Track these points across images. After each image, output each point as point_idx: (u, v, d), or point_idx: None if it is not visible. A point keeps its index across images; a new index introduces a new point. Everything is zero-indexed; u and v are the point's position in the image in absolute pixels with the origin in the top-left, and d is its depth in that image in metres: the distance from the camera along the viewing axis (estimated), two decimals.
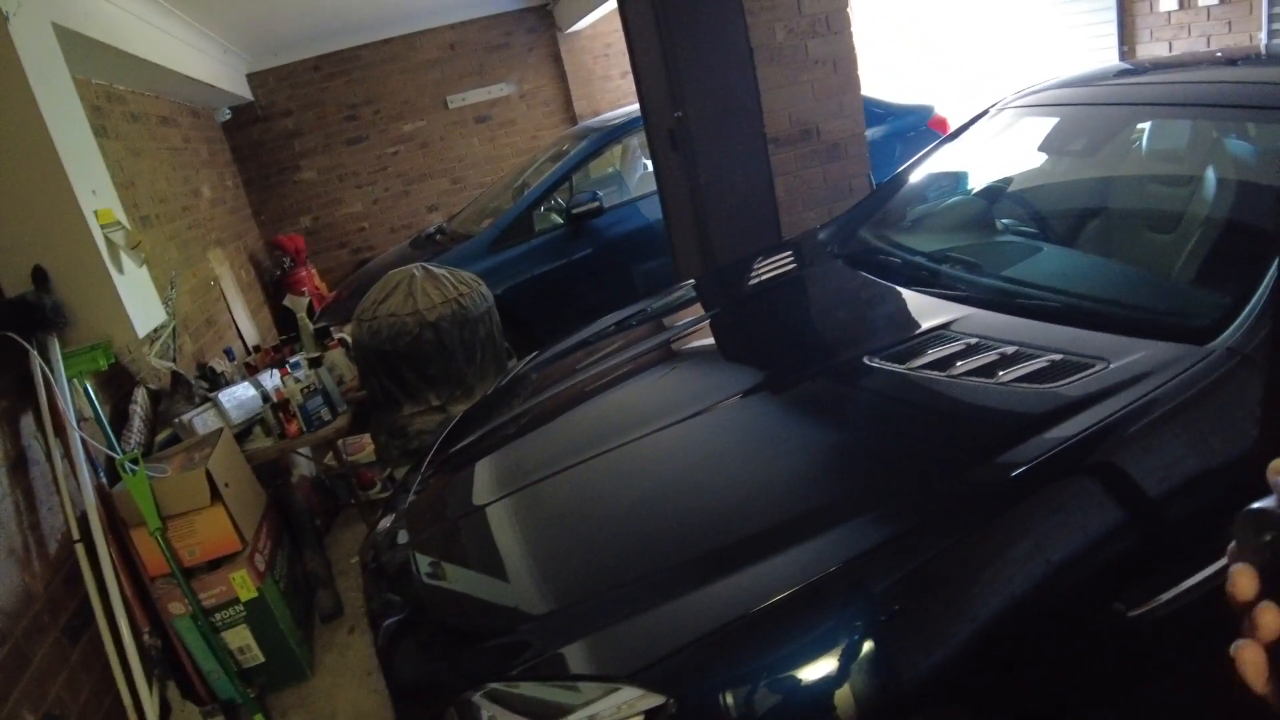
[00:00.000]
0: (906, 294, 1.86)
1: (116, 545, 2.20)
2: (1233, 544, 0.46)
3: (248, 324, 4.90)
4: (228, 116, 6.23)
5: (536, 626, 1.28)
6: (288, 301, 5.54)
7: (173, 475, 2.30)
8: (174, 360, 3.10)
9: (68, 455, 2.17)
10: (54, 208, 2.24)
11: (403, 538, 1.75)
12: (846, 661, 1.04)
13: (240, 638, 2.38)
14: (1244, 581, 0.44)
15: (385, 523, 1.86)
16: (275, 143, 6.61)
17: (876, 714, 1.03)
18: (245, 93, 6.22)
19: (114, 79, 3.82)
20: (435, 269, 3.00)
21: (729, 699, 1.04)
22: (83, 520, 2.16)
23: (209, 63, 5.02)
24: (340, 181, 6.82)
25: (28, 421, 2.17)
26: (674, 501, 1.44)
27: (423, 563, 1.61)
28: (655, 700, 1.02)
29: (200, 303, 4.27)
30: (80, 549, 2.14)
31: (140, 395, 2.80)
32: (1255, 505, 0.45)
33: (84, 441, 2.20)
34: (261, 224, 6.60)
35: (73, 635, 2.09)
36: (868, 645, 1.05)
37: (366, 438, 3.44)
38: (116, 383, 2.83)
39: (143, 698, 2.11)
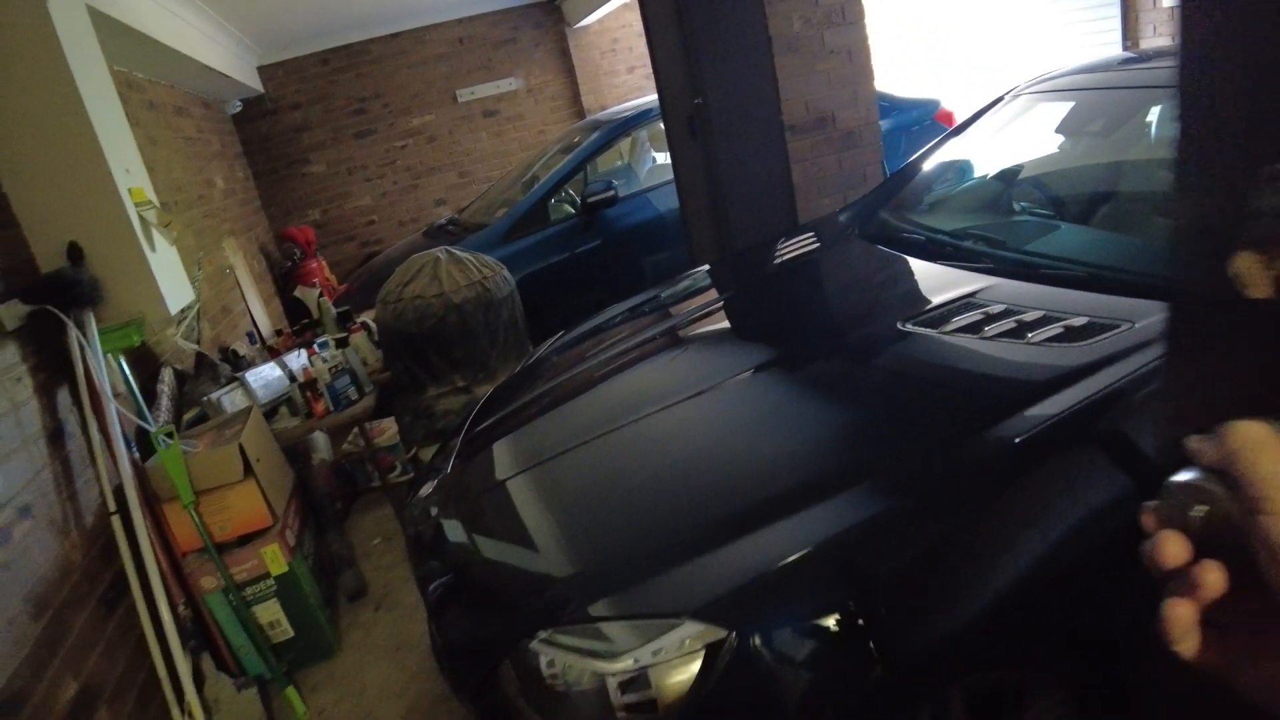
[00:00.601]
0: (932, 267, 1.90)
1: (150, 519, 2.22)
2: (1150, 511, 0.46)
3: (261, 313, 4.92)
4: (238, 109, 6.26)
5: (583, 580, 1.32)
6: (298, 293, 5.57)
7: (205, 450, 2.33)
8: (197, 342, 3.13)
9: (103, 428, 2.20)
10: (90, 185, 2.27)
11: (440, 510, 1.78)
12: (892, 599, 1.08)
13: (270, 613, 2.41)
14: (1173, 548, 0.44)
15: (424, 491, 1.89)
16: (284, 136, 6.63)
17: (924, 647, 1.07)
18: (256, 85, 6.25)
19: (133, 66, 3.85)
20: (459, 253, 3.03)
21: (784, 634, 1.08)
22: (118, 493, 2.19)
23: (223, 53, 5.05)
24: (349, 175, 6.85)
25: (63, 395, 2.20)
26: (715, 463, 1.48)
27: (461, 530, 1.65)
28: (717, 634, 1.06)
29: (216, 290, 4.30)
30: (116, 521, 2.17)
31: (167, 375, 2.83)
32: (1180, 478, 0.45)
33: (119, 415, 2.23)
34: (271, 216, 6.63)
35: (109, 606, 2.11)
36: (914, 583, 1.09)
37: (384, 423, 3.47)
38: (143, 364, 2.85)
39: (179, 668, 2.14)
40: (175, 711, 2.17)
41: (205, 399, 2.60)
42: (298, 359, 2.85)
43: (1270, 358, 0.49)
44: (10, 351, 2.03)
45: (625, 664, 1.10)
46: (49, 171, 2.23)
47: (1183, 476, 0.44)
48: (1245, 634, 0.43)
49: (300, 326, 4.58)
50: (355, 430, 3.09)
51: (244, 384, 2.68)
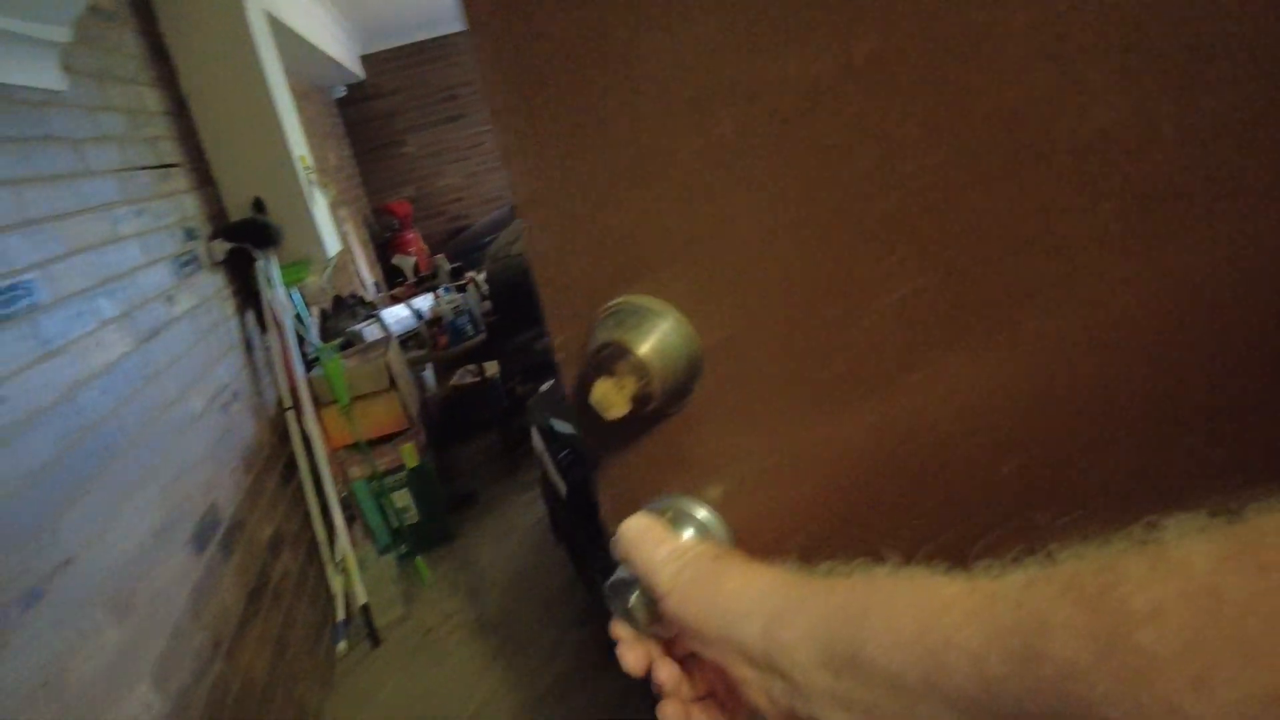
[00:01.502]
0: None
1: (316, 415, 2.81)
2: (614, 621, 0.49)
3: (366, 274, 5.56)
4: (342, 94, 6.92)
5: None
6: (396, 260, 6.21)
7: (357, 364, 2.91)
8: (332, 287, 3.73)
9: (281, 343, 2.78)
10: (271, 152, 2.86)
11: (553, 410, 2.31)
12: None
13: (403, 500, 2.98)
14: (630, 658, 0.48)
15: (542, 389, 2.42)
16: (381, 119, 7.29)
17: None
18: (360, 72, 6.91)
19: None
20: None
21: None
22: (291, 394, 2.77)
23: (339, 45, 5.69)
24: (439, 156, 7.48)
25: (250, 316, 2.79)
26: None
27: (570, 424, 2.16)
28: None
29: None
30: (290, 415, 2.76)
31: (314, 311, 3.43)
32: (613, 577, 0.48)
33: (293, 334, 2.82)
34: (369, 192, 7.30)
35: (286, 479, 2.70)
36: None
37: (488, 365, 4.04)
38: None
39: (338, 532, 2.72)
40: (330, 567, 2.76)
41: (349, 329, 3.19)
42: (424, 301, 3.42)
43: (648, 453, 0.56)
44: (219, 278, 2.63)
45: None
46: (240, 141, 2.82)
47: (616, 574, 0.48)
48: (721, 706, 0.46)
49: (401, 288, 5.20)
50: (465, 366, 3.65)
51: (380, 320, 3.25)
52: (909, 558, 0.43)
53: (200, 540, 1.95)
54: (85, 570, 1.47)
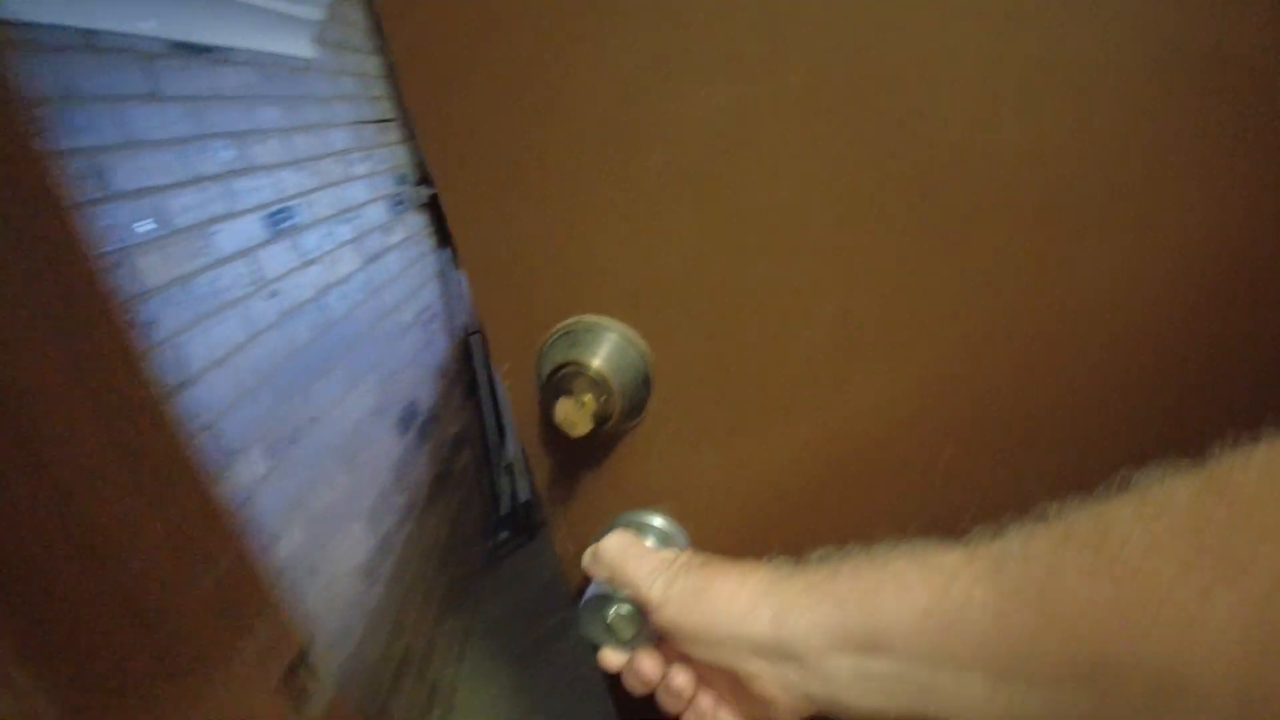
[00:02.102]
0: None
1: None
2: (603, 650, 0.48)
3: None
4: None
5: None
6: None
7: None
8: None
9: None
10: None
11: None
12: None
13: None
14: (648, 664, 0.47)
15: None
16: None
17: None
18: None
19: None
20: None
21: None
22: (471, 322, 3.23)
23: None
24: None
25: (445, 254, 3.27)
26: None
27: None
28: None
29: None
30: (474, 339, 3.22)
31: None
32: (589, 593, 0.48)
33: None
34: None
35: (467, 393, 3.18)
36: None
37: None
38: None
39: (507, 439, 3.17)
40: (498, 469, 3.22)
41: None
42: None
43: (604, 472, 0.56)
44: (423, 218, 3.10)
45: None
46: None
47: (590, 591, 0.48)
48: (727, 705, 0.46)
49: None
50: None
51: None
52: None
53: (404, 425, 2.42)
54: (326, 428, 1.93)
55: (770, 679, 0.40)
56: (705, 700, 0.46)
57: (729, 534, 0.55)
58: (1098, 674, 0.29)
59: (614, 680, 0.52)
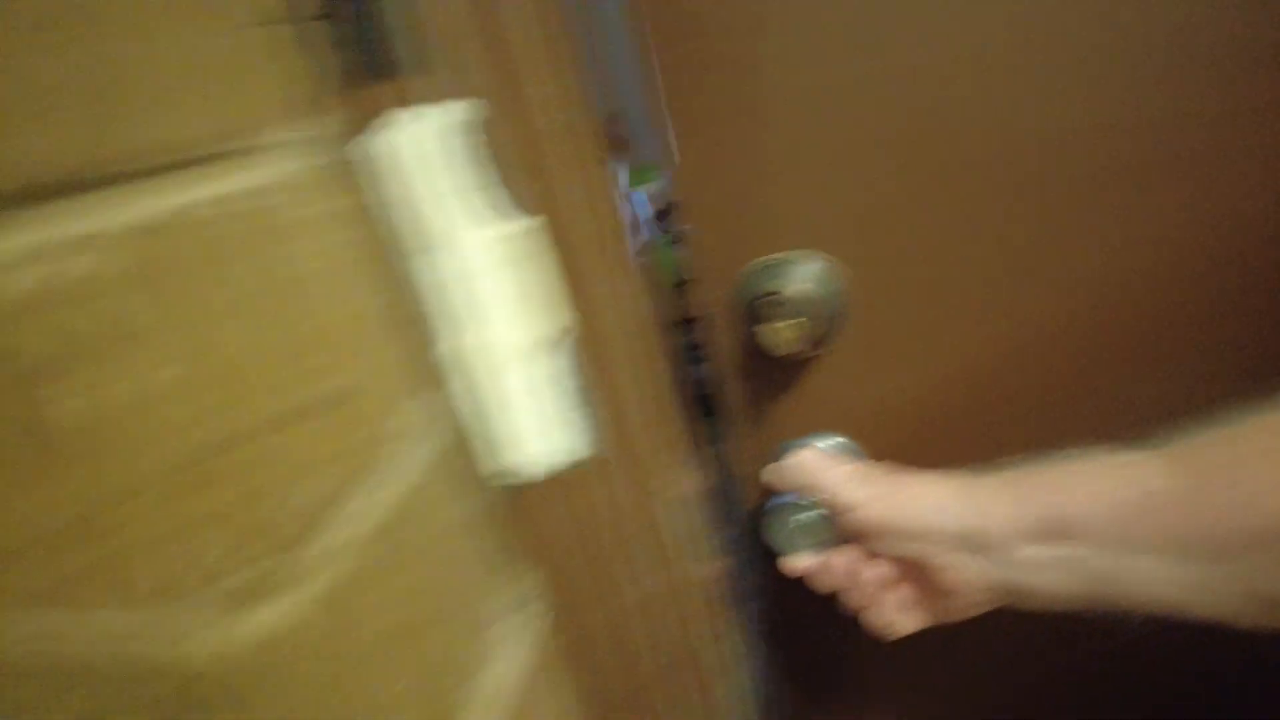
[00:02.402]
0: None
1: None
2: (784, 558, 0.50)
3: None
4: None
5: None
6: None
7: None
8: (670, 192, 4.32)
9: (632, 230, 3.42)
10: None
11: None
12: None
13: None
14: (842, 561, 0.48)
15: None
16: None
17: None
18: None
19: None
20: None
21: None
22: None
23: None
24: None
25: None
26: None
27: None
28: None
29: None
30: None
31: (653, 209, 4.06)
32: (773, 503, 0.50)
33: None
34: None
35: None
36: None
37: None
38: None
39: None
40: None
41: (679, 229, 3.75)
42: None
43: (808, 395, 0.58)
44: None
45: None
46: None
47: (775, 501, 0.50)
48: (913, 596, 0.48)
49: None
50: None
51: None
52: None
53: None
54: None
55: (961, 569, 0.42)
56: (892, 595, 0.48)
57: (907, 461, 0.55)
58: None
59: (778, 587, 0.56)
